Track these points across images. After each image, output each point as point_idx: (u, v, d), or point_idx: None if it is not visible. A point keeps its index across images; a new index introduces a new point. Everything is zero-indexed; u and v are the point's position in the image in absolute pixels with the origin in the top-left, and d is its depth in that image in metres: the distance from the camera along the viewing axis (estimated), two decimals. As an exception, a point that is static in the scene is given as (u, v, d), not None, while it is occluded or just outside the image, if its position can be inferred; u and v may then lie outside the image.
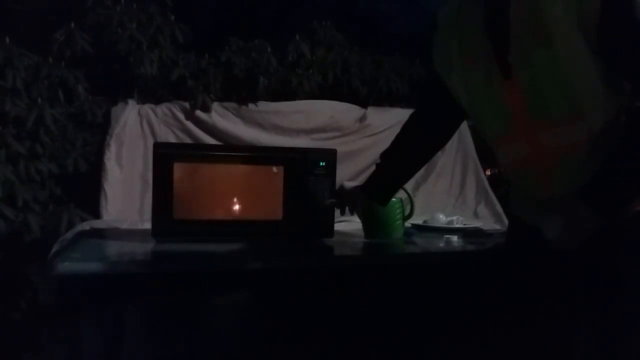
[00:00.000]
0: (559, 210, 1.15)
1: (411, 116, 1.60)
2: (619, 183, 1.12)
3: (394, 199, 1.84)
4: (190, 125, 2.34)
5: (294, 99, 2.49)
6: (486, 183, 2.68)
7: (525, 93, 1.18)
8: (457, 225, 2.08)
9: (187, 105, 2.34)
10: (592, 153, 1.16)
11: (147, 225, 1.76)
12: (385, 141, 1.73)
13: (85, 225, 2.00)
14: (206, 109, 2.34)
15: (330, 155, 1.78)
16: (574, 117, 1.15)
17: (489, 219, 2.54)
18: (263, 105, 2.43)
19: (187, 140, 2.32)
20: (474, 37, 1.25)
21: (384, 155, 1.64)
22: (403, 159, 1.62)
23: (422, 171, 2.56)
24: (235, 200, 1.89)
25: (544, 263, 1.25)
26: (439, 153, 2.56)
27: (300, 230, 1.73)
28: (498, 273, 1.39)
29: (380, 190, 1.67)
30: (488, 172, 2.77)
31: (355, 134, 2.54)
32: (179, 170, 1.66)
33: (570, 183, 1.16)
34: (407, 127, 1.60)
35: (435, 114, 1.53)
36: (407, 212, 1.88)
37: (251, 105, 2.41)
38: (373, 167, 1.70)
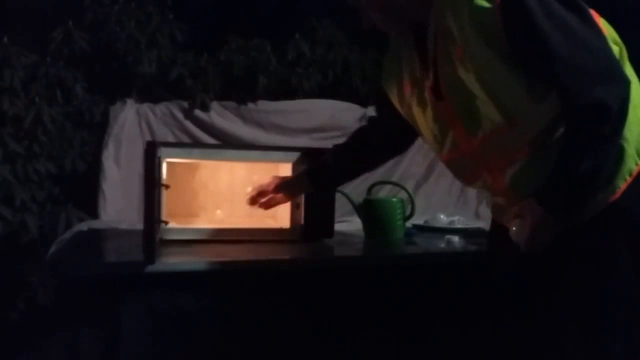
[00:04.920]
0: (519, 214, 1.17)
1: (370, 120, 1.60)
2: (567, 186, 1.12)
3: (394, 199, 1.83)
4: (189, 124, 2.33)
5: (293, 98, 2.48)
6: (487, 183, 2.67)
7: (457, 111, 1.23)
8: (458, 226, 2.07)
9: (185, 104, 2.33)
10: (541, 158, 1.17)
11: (146, 225, 1.75)
12: (385, 141, 1.71)
13: (84, 226, 1.99)
14: (205, 108, 2.33)
15: (330, 155, 1.76)
16: (507, 127, 1.18)
17: (490, 220, 2.53)
18: (262, 105, 2.42)
19: (186, 140, 2.31)
20: (411, 62, 1.31)
21: (338, 152, 1.59)
22: (356, 162, 1.59)
23: (423, 171, 2.56)
24: (233, 199, 1.88)
25: (521, 263, 1.25)
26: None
27: (300, 230, 1.72)
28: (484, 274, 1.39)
29: (329, 182, 1.64)
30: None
31: (356, 133, 2.53)
32: (171, 169, 1.65)
33: (525, 187, 1.19)
34: (363, 131, 1.60)
35: (389, 127, 1.51)
36: (407, 212, 1.87)
37: (250, 105, 2.40)
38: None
